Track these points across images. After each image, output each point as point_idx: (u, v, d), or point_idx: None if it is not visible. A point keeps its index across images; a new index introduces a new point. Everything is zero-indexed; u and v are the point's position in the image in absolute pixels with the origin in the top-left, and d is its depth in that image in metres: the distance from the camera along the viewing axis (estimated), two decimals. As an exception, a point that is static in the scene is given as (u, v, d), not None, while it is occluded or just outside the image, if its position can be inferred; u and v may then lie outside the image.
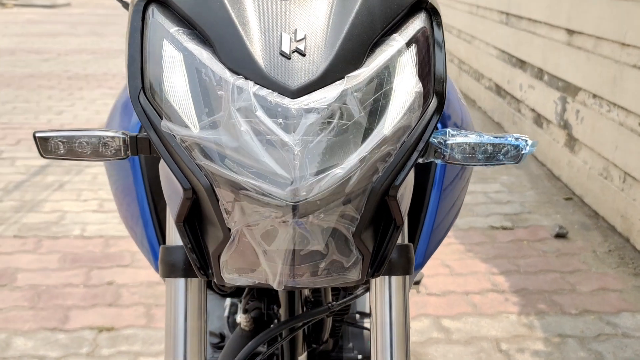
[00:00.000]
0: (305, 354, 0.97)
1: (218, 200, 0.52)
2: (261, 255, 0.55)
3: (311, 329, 0.99)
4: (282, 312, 0.90)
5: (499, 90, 4.48)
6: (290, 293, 0.89)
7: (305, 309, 0.90)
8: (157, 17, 0.53)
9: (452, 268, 2.45)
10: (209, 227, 0.57)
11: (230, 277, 0.58)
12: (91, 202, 3.05)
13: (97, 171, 3.47)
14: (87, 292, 2.24)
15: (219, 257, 0.57)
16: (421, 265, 0.86)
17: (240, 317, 0.96)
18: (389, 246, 0.59)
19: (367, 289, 0.83)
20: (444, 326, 2.06)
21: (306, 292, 0.89)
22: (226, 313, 1.16)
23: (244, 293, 0.95)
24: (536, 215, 2.94)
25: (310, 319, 0.82)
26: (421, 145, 0.55)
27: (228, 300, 1.18)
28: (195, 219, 0.58)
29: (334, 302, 0.81)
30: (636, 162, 2.55)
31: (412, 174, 0.64)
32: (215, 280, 0.60)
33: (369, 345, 1.14)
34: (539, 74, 3.65)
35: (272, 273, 0.56)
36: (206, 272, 0.60)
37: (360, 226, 0.54)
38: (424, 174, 0.84)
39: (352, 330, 1.16)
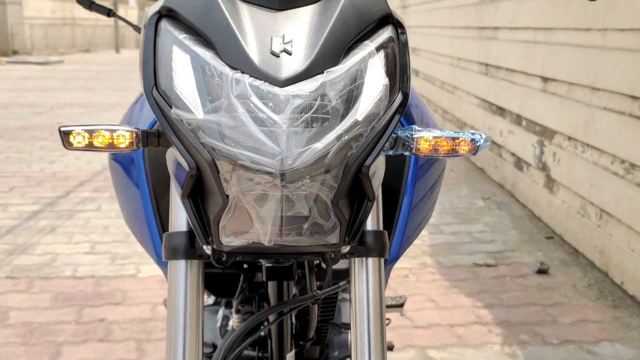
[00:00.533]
0: (293, 352, 1.03)
1: (218, 172, 0.62)
2: (254, 218, 0.64)
3: (298, 328, 1.06)
4: (272, 302, 0.97)
5: (480, 137, 4.64)
6: (279, 289, 0.97)
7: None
8: (167, 27, 0.64)
9: (437, 302, 2.51)
10: (209, 198, 0.66)
11: (228, 240, 0.67)
12: (83, 245, 3.09)
13: (89, 216, 3.53)
14: (78, 328, 2.27)
15: (218, 222, 0.66)
16: (396, 257, 0.94)
17: (233, 318, 1.03)
18: (363, 215, 0.68)
19: (348, 282, 0.91)
20: (430, 356, 2.11)
21: (294, 289, 0.97)
22: (218, 324, 1.22)
23: (236, 294, 1.02)
24: (518, 253, 3.02)
25: (297, 305, 0.90)
26: (389, 131, 0.65)
27: (220, 312, 1.24)
28: (197, 194, 0.67)
29: (319, 291, 0.89)
30: (611, 198, 2.67)
31: (382, 159, 0.74)
32: (214, 245, 0.68)
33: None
34: (518, 119, 3.82)
35: (264, 233, 0.64)
36: (207, 239, 0.69)
37: (338, 195, 0.64)
38: (398, 171, 0.94)
39: (337, 339, 1.22)
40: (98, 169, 4.71)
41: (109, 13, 1.25)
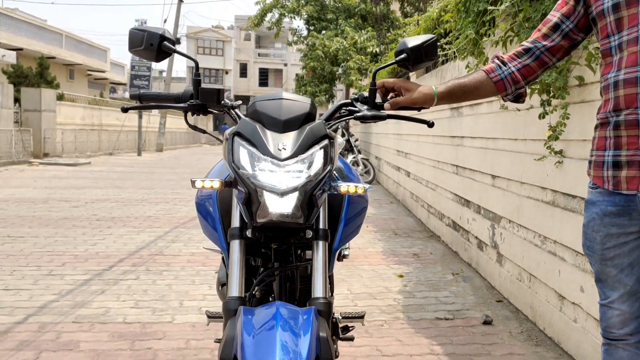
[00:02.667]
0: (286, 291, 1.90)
1: (257, 192, 1.50)
2: (269, 209, 1.51)
3: (288, 289, 1.92)
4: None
5: (455, 226, 5.54)
6: (281, 262, 1.83)
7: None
8: (237, 138, 1.56)
9: (402, 341, 3.29)
10: (252, 202, 1.53)
11: (259, 220, 1.52)
12: (128, 302, 3.93)
13: (130, 283, 4.38)
14: (132, 353, 3.07)
15: (255, 212, 1.52)
16: (337, 247, 1.80)
17: (257, 291, 1.87)
18: (315, 212, 1.57)
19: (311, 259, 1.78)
20: (390, 371, 2.88)
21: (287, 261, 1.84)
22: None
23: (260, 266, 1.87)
24: (472, 311, 3.81)
25: (286, 268, 1.77)
26: (323, 183, 1.55)
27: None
28: (246, 204, 1.56)
29: (300, 263, 1.77)
30: (535, 265, 3.51)
31: (325, 196, 1.64)
32: (254, 222, 1.55)
33: None
34: (478, 209, 4.73)
35: (274, 215, 1.51)
36: (251, 220, 1.56)
37: (303, 203, 1.51)
38: (339, 203, 1.83)
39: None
40: (133, 249, 5.59)
41: (190, 125, 2.17)
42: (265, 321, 1.35)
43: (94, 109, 24.18)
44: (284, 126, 1.56)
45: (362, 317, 2.35)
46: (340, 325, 2.08)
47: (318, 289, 1.56)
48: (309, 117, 1.61)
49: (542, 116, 3.08)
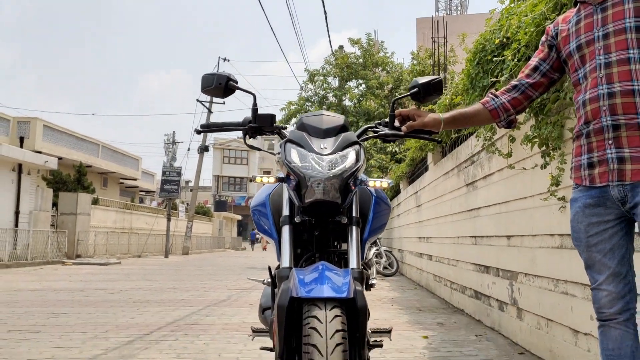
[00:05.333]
0: None
1: (305, 179, 1.92)
2: (314, 189, 1.91)
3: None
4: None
5: (477, 295, 5.77)
6: (321, 248, 2.19)
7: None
8: (288, 143, 2.00)
9: (428, 379, 3.50)
10: (301, 187, 1.93)
11: (306, 201, 1.92)
12: (171, 354, 4.21)
13: (170, 343, 4.66)
14: (179, 387, 3.34)
15: (304, 194, 1.92)
16: (367, 238, 2.18)
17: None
18: (349, 197, 1.97)
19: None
20: (417, 397, 3.09)
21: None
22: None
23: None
24: (495, 360, 4.01)
25: (326, 251, 2.13)
26: (355, 175, 1.97)
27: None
28: (295, 190, 1.97)
29: (337, 248, 2.14)
30: (551, 309, 3.76)
31: (356, 190, 2.05)
32: (303, 203, 1.93)
33: None
34: (496, 272, 5.01)
35: (319, 195, 1.91)
36: (300, 201, 1.96)
37: (340, 187, 1.92)
38: (367, 200, 2.23)
39: None
40: (170, 321, 5.89)
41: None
42: (314, 269, 1.73)
43: (125, 213, 25.09)
44: (324, 133, 2.02)
45: (389, 331, 2.65)
46: (371, 339, 2.39)
47: (353, 262, 1.94)
48: (344, 128, 2.08)
49: (543, 166, 3.50)
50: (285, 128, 2.26)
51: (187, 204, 33.67)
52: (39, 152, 20.26)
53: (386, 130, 2.23)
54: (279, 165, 2.09)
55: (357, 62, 19.68)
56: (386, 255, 12.71)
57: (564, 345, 3.55)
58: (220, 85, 2.21)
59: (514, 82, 2.33)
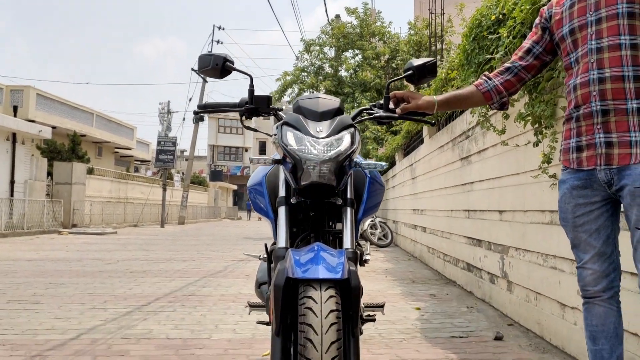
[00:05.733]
0: None
1: (301, 161, 1.95)
2: (309, 172, 1.95)
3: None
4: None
5: (469, 267, 5.88)
6: (316, 228, 2.24)
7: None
8: (285, 126, 2.02)
9: (420, 351, 3.61)
10: (297, 170, 1.97)
11: (302, 183, 1.96)
12: (169, 325, 4.30)
13: (168, 314, 4.75)
14: (178, 357, 3.43)
15: (300, 176, 1.95)
16: (361, 218, 2.24)
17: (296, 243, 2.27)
18: (344, 179, 2.01)
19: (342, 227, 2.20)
20: (409, 368, 3.19)
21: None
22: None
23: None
24: (485, 332, 4.12)
25: (321, 231, 2.19)
26: (349, 158, 2.01)
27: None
28: (292, 171, 2.01)
29: (332, 228, 2.19)
30: (540, 283, 3.85)
31: (351, 172, 2.09)
32: (299, 185, 1.98)
33: None
34: (488, 245, 5.10)
35: (314, 177, 1.95)
36: (295, 183, 2.00)
37: (335, 169, 1.96)
38: (362, 181, 2.27)
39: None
40: (167, 292, 5.99)
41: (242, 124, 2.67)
42: (309, 250, 1.78)
43: (120, 183, 25.11)
44: (320, 116, 2.05)
45: (382, 306, 2.72)
46: (364, 314, 2.47)
47: (347, 242, 1.99)
48: (339, 111, 2.11)
49: (536, 144, 3.54)
50: (281, 110, 2.29)
51: (183, 173, 33.72)
52: (33, 121, 20.16)
53: (381, 113, 2.26)
54: (274, 147, 2.12)
55: (353, 32, 19.49)
56: (381, 226, 12.84)
57: (552, 317, 3.65)
58: (217, 67, 2.23)
59: (507, 64, 2.36)
